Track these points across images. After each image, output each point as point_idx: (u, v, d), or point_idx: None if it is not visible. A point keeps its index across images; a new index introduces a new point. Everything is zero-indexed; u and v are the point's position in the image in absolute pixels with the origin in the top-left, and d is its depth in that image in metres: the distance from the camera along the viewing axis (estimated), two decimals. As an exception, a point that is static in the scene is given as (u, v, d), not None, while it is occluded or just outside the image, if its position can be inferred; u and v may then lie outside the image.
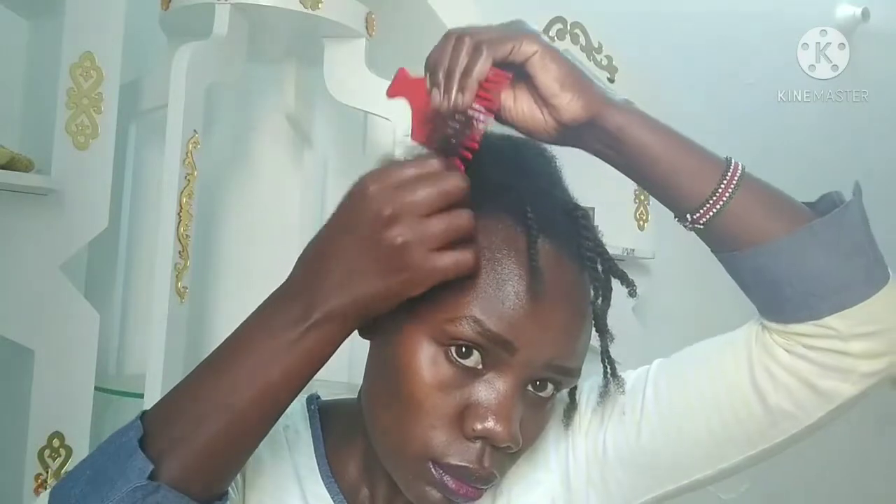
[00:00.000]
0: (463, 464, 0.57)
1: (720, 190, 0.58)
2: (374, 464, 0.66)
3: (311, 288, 0.54)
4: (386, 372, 0.60)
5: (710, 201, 0.58)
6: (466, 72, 0.56)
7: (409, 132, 0.62)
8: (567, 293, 0.60)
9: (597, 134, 0.59)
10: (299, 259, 0.57)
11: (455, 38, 0.58)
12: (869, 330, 0.57)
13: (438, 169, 0.54)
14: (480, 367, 0.58)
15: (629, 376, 0.68)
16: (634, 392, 0.66)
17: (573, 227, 0.62)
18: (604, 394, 0.66)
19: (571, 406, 0.68)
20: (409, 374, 0.58)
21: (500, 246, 0.58)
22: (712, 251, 0.62)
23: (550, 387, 0.61)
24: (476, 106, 0.57)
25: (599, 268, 0.63)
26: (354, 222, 0.53)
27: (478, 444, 0.58)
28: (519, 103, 0.60)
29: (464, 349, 0.57)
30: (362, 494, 0.67)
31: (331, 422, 0.70)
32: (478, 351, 0.57)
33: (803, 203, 0.61)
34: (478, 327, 0.56)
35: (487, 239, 0.58)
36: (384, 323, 0.60)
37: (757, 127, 2.29)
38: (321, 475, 0.66)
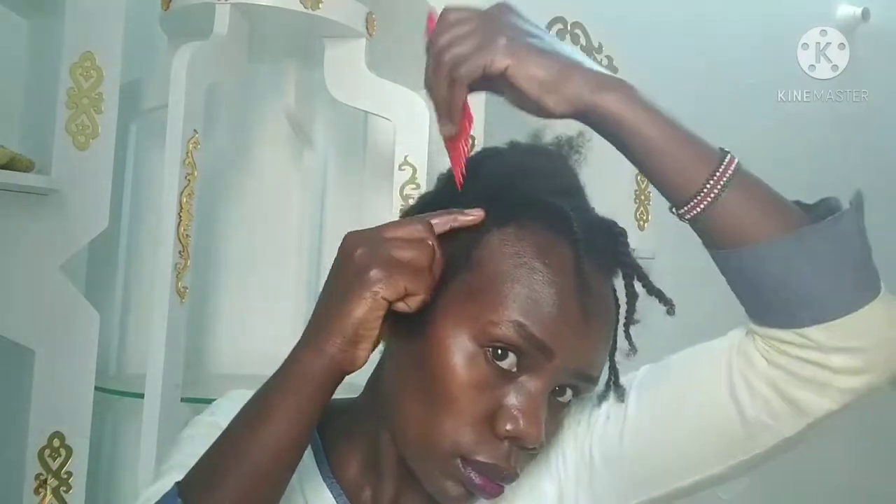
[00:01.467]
0: (492, 461, 0.59)
1: (709, 186, 0.57)
2: (378, 463, 0.67)
3: (325, 325, 0.58)
4: (420, 368, 0.61)
5: (699, 197, 0.57)
6: (447, 104, 0.60)
7: None
8: (602, 306, 0.63)
9: (589, 121, 0.59)
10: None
11: (434, 58, 0.60)
12: (851, 345, 0.56)
13: (418, 235, 0.58)
14: (515, 369, 0.60)
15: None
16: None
17: (612, 243, 0.65)
18: (602, 398, 0.68)
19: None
20: (446, 371, 0.59)
21: (544, 256, 0.60)
22: (704, 245, 0.62)
23: (569, 392, 0.63)
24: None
25: (635, 284, 0.66)
26: (342, 276, 0.58)
27: (506, 444, 0.60)
28: (512, 94, 0.60)
29: (500, 351, 0.59)
30: (365, 494, 0.67)
31: (328, 421, 0.70)
32: (514, 354, 0.59)
33: (801, 205, 0.60)
34: (521, 331, 0.58)
35: (532, 248, 0.61)
36: (421, 322, 0.61)
37: (757, 127, 2.29)
38: (322, 475, 0.67)
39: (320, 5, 1.34)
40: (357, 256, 0.58)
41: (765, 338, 0.59)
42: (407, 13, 1.53)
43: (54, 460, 1.23)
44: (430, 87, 0.61)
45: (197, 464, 0.59)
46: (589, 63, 0.59)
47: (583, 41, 1.74)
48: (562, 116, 0.58)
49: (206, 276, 1.59)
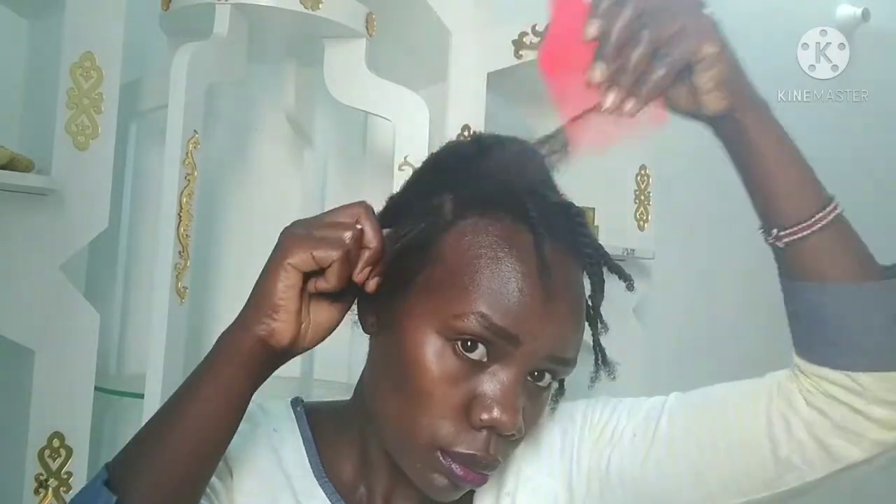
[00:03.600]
0: (470, 452, 0.60)
1: (814, 220, 0.58)
2: (371, 461, 0.67)
3: (248, 303, 0.60)
4: (394, 366, 0.62)
5: (800, 226, 0.58)
6: (644, 82, 0.54)
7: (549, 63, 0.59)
8: (567, 289, 0.62)
9: (723, 125, 0.59)
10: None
11: (635, 22, 0.53)
12: (894, 399, 0.57)
13: (343, 218, 0.59)
14: (485, 359, 0.60)
15: (645, 402, 0.70)
16: (648, 420, 0.67)
17: (570, 225, 0.64)
18: (594, 379, 0.68)
19: (559, 392, 0.70)
20: (417, 367, 0.60)
21: (502, 244, 0.60)
22: (779, 274, 0.62)
23: (548, 376, 0.63)
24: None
25: (596, 263, 0.65)
26: (269, 257, 0.60)
27: (484, 433, 0.60)
28: (673, 89, 0.58)
29: (469, 343, 0.60)
30: (359, 493, 0.68)
31: (320, 422, 0.71)
32: (483, 345, 0.60)
33: (881, 264, 0.61)
34: (485, 322, 0.58)
35: (490, 238, 0.61)
36: (391, 319, 0.62)
37: (757, 127, 2.28)
38: (315, 475, 0.67)
39: (320, 5, 1.34)
40: (281, 236, 0.59)
41: (812, 377, 0.60)
42: (407, 13, 1.54)
43: (54, 460, 1.23)
44: (625, 53, 0.54)
45: (126, 445, 0.60)
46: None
47: (583, 41, 1.74)
48: (709, 112, 0.58)
49: (206, 276, 1.60)
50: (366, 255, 0.59)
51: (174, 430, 0.58)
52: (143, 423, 0.61)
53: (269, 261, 0.59)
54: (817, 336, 0.60)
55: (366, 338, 0.67)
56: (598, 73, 0.55)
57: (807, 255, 0.59)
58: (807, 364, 0.60)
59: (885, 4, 2.51)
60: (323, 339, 0.63)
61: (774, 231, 0.60)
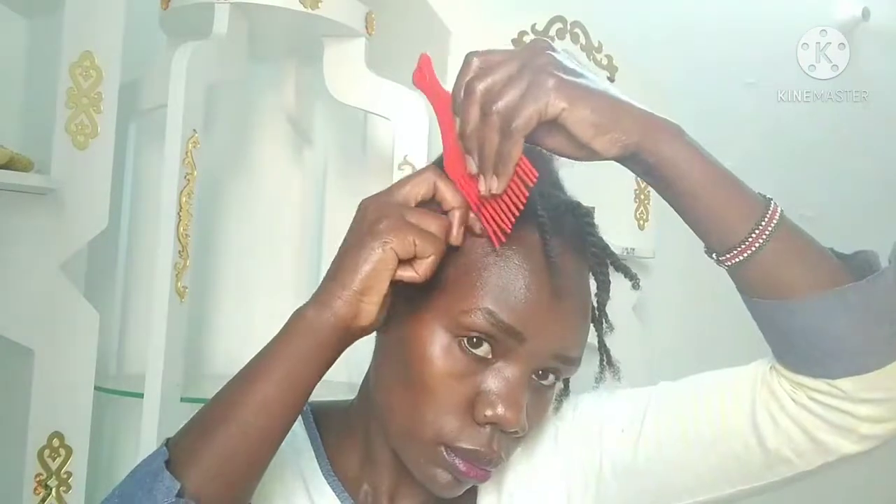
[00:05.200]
0: (474, 447, 0.60)
1: (751, 238, 0.56)
2: (374, 459, 0.68)
3: (332, 280, 0.58)
4: (400, 361, 0.62)
5: (740, 248, 0.57)
6: (501, 159, 0.55)
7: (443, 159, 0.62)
8: (573, 288, 0.62)
9: (635, 164, 0.58)
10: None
11: (479, 103, 0.55)
12: (879, 396, 0.57)
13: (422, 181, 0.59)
14: (490, 356, 0.60)
15: (633, 394, 0.69)
16: (635, 412, 0.67)
17: (578, 224, 0.65)
18: (599, 380, 0.69)
19: (564, 392, 0.70)
20: (423, 363, 0.60)
21: (511, 242, 0.61)
22: (738, 291, 0.61)
23: (552, 376, 0.63)
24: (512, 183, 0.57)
25: (602, 263, 0.66)
26: (354, 232, 0.59)
27: (487, 429, 0.60)
28: (554, 140, 0.57)
29: (475, 339, 0.60)
30: (363, 490, 0.68)
31: (327, 421, 0.71)
32: (488, 342, 0.60)
33: (836, 254, 0.59)
34: (491, 318, 0.59)
35: None
36: (398, 314, 0.62)
37: (757, 127, 2.29)
38: (323, 473, 0.67)
39: (320, 4, 1.34)
40: (370, 213, 0.58)
41: (793, 382, 0.59)
42: (407, 12, 1.53)
43: (54, 460, 1.22)
44: (476, 141, 0.56)
45: (189, 421, 0.58)
46: (636, 102, 0.57)
47: (582, 40, 1.74)
48: (609, 159, 0.57)
49: (206, 275, 1.59)
50: (457, 215, 0.59)
51: (242, 411, 0.56)
52: (207, 402, 0.59)
53: (357, 237, 0.57)
54: (788, 349, 0.59)
55: (365, 338, 0.67)
56: (472, 165, 0.57)
57: (754, 273, 0.57)
58: (785, 371, 0.60)
59: (885, 4, 2.51)
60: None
61: (714, 256, 0.59)
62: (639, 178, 1.90)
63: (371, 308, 0.57)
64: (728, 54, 2.27)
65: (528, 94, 0.54)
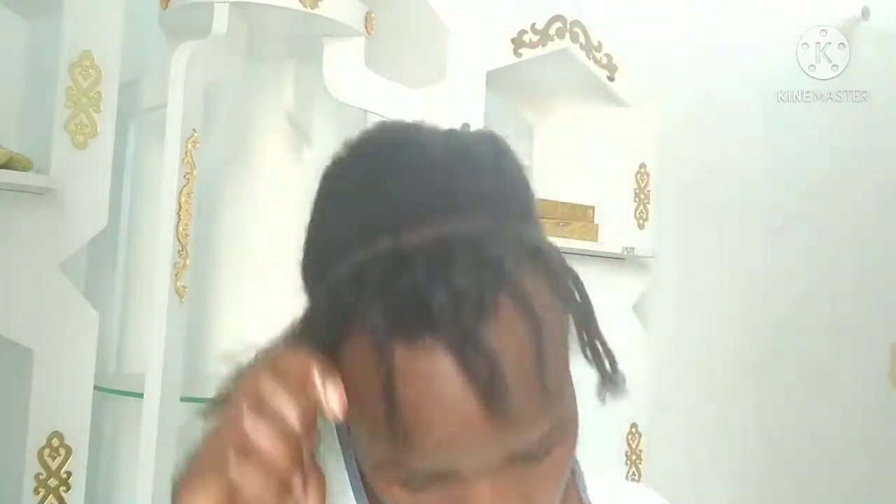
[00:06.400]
0: None
1: None
2: None
3: None
4: None
5: None
6: None
7: None
8: (516, 369, 0.45)
9: None
10: None
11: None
12: None
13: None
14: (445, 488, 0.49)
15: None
16: None
17: (476, 268, 0.45)
18: (602, 396, 0.55)
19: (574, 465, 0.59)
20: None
21: (404, 365, 0.45)
22: None
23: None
24: None
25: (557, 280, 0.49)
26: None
27: None
28: None
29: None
30: None
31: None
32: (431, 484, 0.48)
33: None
34: (414, 474, 0.47)
35: (384, 360, 0.45)
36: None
37: (757, 127, 2.29)
38: (352, 489, 0.64)
39: (319, 4, 1.34)
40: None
41: None
42: (406, 12, 1.53)
43: (54, 460, 1.22)
44: None
45: None
46: None
47: (582, 40, 1.74)
48: None
49: (206, 275, 1.59)
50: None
51: None
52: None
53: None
54: None
55: None
56: None
57: None
58: None
59: (885, 4, 2.51)
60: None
61: None
62: (639, 178, 1.90)
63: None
64: (728, 54, 2.27)
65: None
